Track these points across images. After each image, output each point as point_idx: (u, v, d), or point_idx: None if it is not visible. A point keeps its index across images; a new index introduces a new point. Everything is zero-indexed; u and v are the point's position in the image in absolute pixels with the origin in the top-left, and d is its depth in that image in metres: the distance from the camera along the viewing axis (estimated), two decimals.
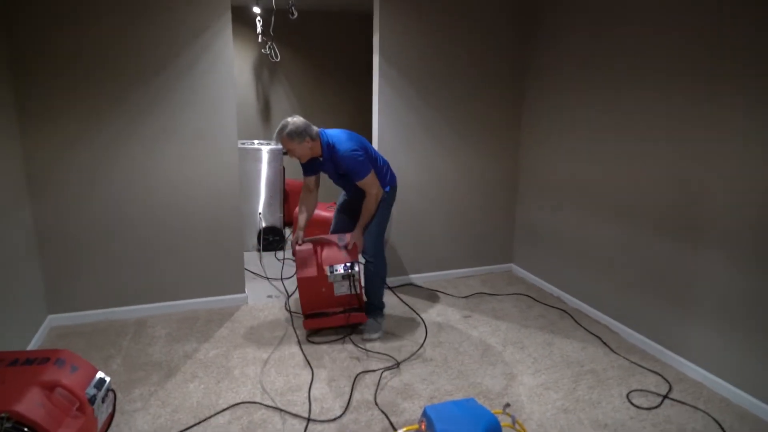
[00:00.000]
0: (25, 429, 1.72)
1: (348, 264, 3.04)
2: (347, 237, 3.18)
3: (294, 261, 3.19)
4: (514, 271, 4.39)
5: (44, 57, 2.95)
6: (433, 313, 3.55)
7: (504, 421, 2.04)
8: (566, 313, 3.58)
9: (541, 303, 3.75)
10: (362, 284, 3.21)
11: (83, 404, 1.89)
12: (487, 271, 4.36)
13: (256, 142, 5.25)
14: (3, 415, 1.71)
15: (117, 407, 2.38)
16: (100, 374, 2.06)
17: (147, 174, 3.27)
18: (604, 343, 3.15)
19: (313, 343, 3.10)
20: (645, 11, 2.93)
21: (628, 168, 3.12)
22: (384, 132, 3.78)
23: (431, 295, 3.87)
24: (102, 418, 2.03)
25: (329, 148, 2.98)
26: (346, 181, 3.13)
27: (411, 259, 4.07)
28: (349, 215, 3.34)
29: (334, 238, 3.26)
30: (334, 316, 3.14)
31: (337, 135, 3.01)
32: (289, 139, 2.90)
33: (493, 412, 1.84)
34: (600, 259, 3.42)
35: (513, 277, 4.30)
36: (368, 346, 3.07)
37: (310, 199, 3.28)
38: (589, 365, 2.91)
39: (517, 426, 1.89)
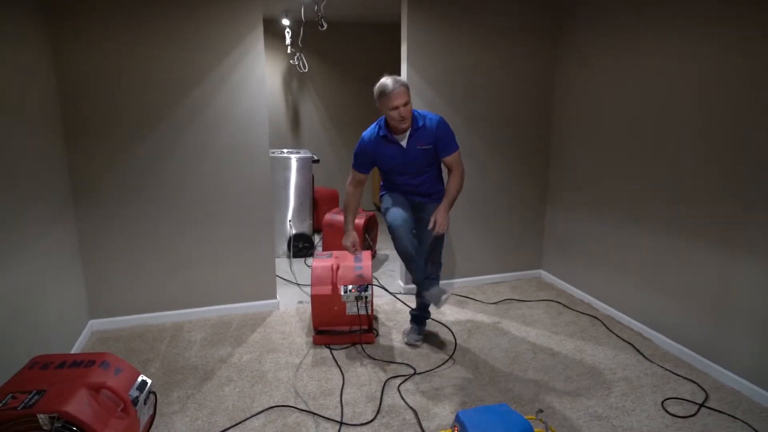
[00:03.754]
0: (74, 429, 1.80)
1: (362, 286, 3.08)
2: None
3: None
4: (544, 277, 4.36)
5: (87, 79, 3.08)
6: (462, 319, 3.55)
7: (537, 427, 2.04)
8: (597, 319, 3.54)
9: (572, 309, 3.72)
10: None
11: (127, 405, 1.97)
12: (516, 277, 4.34)
13: (285, 151, 5.35)
14: (53, 415, 1.80)
15: (157, 409, 2.46)
16: (142, 377, 2.14)
17: (184, 184, 3.38)
18: (638, 351, 3.11)
19: (343, 347, 3.15)
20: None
21: (665, 174, 3.09)
22: None
23: (460, 301, 3.88)
24: (144, 419, 2.11)
25: (420, 116, 2.80)
26: (418, 165, 2.87)
27: None
28: (411, 219, 2.94)
29: (351, 255, 3.27)
30: (344, 334, 3.18)
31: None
32: (408, 91, 2.69)
33: (525, 418, 1.84)
34: (632, 265, 3.37)
35: (542, 283, 4.27)
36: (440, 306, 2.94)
37: (359, 194, 3.08)
38: (622, 372, 2.88)
39: None
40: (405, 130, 2.78)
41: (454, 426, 1.83)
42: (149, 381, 2.16)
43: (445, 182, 3.00)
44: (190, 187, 3.40)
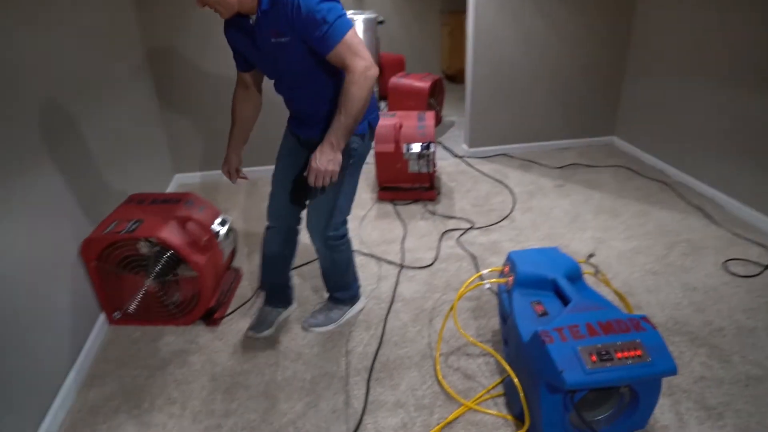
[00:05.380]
0: (170, 252, 2.08)
1: (425, 144, 3.10)
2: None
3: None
4: (616, 143, 4.19)
5: None
6: (525, 181, 3.56)
7: (587, 270, 2.11)
8: (668, 185, 3.43)
9: (642, 175, 3.60)
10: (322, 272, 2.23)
11: (211, 237, 2.22)
12: (586, 144, 4.20)
13: (350, 12, 5.18)
14: (152, 239, 2.07)
15: (237, 247, 2.75)
16: (223, 215, 2.38)
17: None
18: (707, 216, 3.03)
19: (406, 203, 3.28)
20: None
21: (758, 37, 2.76)
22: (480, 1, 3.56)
23: (524, 165, 3.85)
24: (226, 252, 2.38)
25: None
26: (279, 68, 1.79)
27: (504, 128, 4.01)
28: (294, 185, 2.03)
29: (414, 115, 3.31)
30: (407, 191, 3.28)
31: None
32: None
33: (576, 261, 1.91)
34: (715, 131, 3.16)
35: (614, 149, 4.12)
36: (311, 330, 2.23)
37: (248, 101, 2.02)
38: (686, 235, 2.84)
39: (599, 275, 1.96)
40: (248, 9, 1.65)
41: (505, 265, 1.94)
42: (230, 218, 2.40)
43: None
44: None
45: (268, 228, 2.12)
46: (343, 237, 2.05)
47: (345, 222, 2.03)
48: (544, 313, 1.70)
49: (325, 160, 1.68)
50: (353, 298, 2.29)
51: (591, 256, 2.00)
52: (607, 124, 4.16)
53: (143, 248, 2.09)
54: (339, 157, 1.70)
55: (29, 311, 1.71)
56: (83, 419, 1.82)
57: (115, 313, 2.21)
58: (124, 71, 2.89)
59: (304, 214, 2.08)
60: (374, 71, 1.62)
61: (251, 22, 1.68)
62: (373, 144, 2.03)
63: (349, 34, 1.59)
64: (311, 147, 1.80)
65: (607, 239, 2.82)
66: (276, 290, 2.27)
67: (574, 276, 1.84)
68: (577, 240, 2.82)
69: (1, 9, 1.75)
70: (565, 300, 1.72)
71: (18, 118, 1.77)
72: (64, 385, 1.86)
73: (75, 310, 2.00)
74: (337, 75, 1.74)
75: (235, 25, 1.75)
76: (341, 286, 2.22)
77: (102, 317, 2.22)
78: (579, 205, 3.20)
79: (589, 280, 2.24)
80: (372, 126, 1.93)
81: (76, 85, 2.26)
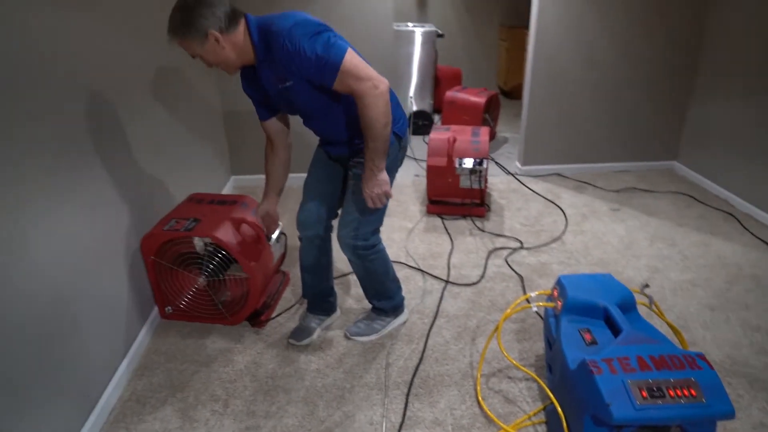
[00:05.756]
0: (223, 252, 2.15)
1: (477, 159, 3.08)
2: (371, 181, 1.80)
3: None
4: (677, 169, 4.03)
5: None
6: (578, 203, 3.47)
7: (640, 300, 2.03)
8: (732, 216, 3.26)
9: (704, 204, 3.45)
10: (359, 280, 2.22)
11: (262, 239, 2.28)
12: (645, 168, 4.06)
13: (410, 24, 5.22)
14: (206, 239, 2.15)
15: (286, 252, 2.80)
16: None
17: None
18: None
19: (455, 218, 3.26)
20: None
21: None
22: (544, 12, 3.51)
23: (578, 186, 3.76)
24: (277, 254, 2.43)
25: (263, 35, 1.64)
26: (293, 106, 1.85)
27: (559, 147, 3.92)
28: (329, 192, 2.12)
29: (468, 130, 3.30)
30: (457, 206, 3.27)
31: (271, 15, 1.67)
32: (180, 37, 1.59)
33: (630, 289, 1.84)
34: None
35: (674, 175, 3.96)
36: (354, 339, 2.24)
37: (275, 162, 2.09)
38: (751, 270, 2.69)
39: (654, 308, 1.88)
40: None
41: (554, 288, 1.89)
42: (281, 222, 2.45)
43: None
44: None
45: (300, 238, 2.16)
46: (374, 247, 2.04)
47: (375, 232, 2.03)
48: (593, 342, 1.65)
49: (373, 185, 1.79)
50: (396, 309, 2.29)
51: (645, 286, 1.92)
52: (669, 148, 4.01)
53: (198, 245, 2.17)
54: (384, 175, 1.79)
55: (89, 300, 1.80)
56: (131, 408, 1.90)
57: (167, 308, 2.30)
58: (189, 73, 3.02)
59: (335, 222, 2.12)
60: (383, 86, 1.62)
61: (256, 67, 1.74)
62: (408, 151, 2.04)
63: (346, 59, 1.58)
64: (342, 162, 2.01)
65: (663, 269, 2.71)
66: (318, 298, 2.30)
67: (627, 305, 1.78)
68: (631, 268, 2.72)
69: (80, 6, 1.87)
70: (615, 330, 1.66)
71: (86, 114, 1.88)
72: (116, 374, 1.95)
73: (131, 302, 2.10)
74: (338, 109, 1.80)
75: (247, 77, 1.83)
76: (381, 295, 2.23)
77: (155, 311, 2.31)
78: (634, 231, 3.09)
79: (642, 310, 2.16)
80: (399, 135, 1.92)
81: (145, 84, 2.38)
